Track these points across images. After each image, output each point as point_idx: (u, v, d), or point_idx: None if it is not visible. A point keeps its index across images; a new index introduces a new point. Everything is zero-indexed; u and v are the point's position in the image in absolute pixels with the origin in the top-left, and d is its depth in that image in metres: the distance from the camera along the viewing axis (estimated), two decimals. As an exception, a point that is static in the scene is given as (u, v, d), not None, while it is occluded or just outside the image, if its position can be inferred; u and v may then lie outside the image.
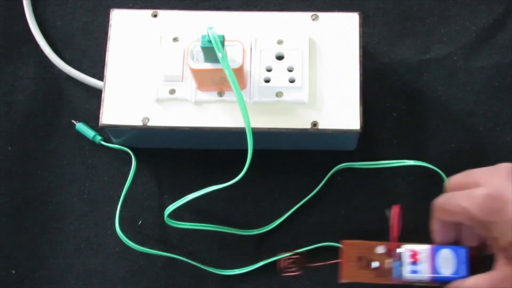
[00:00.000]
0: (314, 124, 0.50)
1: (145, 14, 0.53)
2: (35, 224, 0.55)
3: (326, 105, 0.50)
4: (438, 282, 0.46)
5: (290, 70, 0.51)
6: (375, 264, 0.47)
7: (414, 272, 0.45)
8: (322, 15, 0.53)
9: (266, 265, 0.53)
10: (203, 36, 0.45)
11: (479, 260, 0.46)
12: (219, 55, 0.44)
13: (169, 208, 0.51)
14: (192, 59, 0.47)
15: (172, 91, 0.51)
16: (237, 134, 0.49)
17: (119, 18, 0.53)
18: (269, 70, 0.51)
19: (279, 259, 0.50)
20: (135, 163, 0.54)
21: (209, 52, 0.45)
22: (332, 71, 0.51)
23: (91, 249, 0.54)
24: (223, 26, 0.52)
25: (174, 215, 0.53)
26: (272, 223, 0.54)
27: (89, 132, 0.56)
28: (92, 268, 0.54)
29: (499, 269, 0.43)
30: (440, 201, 0.46)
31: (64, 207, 0.55)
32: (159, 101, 0.51)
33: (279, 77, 0.51)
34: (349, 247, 0.48)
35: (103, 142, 0.56)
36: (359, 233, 0.54)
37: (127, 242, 0.52)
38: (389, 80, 0.57)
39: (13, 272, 0.54)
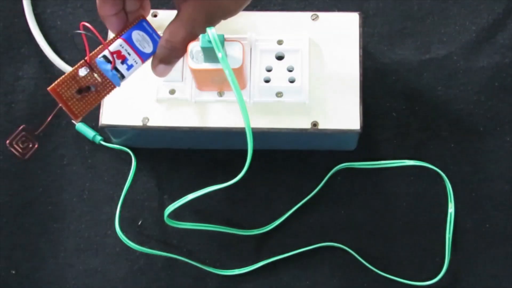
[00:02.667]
0: (314, 124, 0.50)
1: (145, 14, 0.53)
2: (35, 224, 0.55)
3: (326, 105, 0.50)
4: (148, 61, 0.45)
5: (290, 70, 0.51)
6: (92, 87, 0.44)
7: (129, 67, 0.44)
8: (322, 15, 0.53)
9: (266, 265, 0.53)
10: (203, 36, 0.45)
11: None
12: (219, 55, 0.44)
13: (169, 208, 0.51)
14: (192, 59, 0.47)
15: (172, 91, 0.51)
16: (237, 134, 0.49)
17: (119, 18, 0.53)
18: (269, 70, 0.51)
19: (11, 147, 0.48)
20: (135, 163, 0.54)
21: (209, 52, 0.45)
22: (332, 71, 0.51)
23: (91, 249, 0.54)
24: (223, 26, 0.52)
25: (174, 215, 0.53)
26: (272, 223, 0.54)
27: (89, 132, 0.56)
28: (92, 268, 0.54)
29: (183, 11, 0.43)
30: None
31: (64, 207, 0.55)
32: (159, 101, 0.51)
33: (279, 77, 0.51)
34: (57, 89, 0.43)
35: (103, 142, 0.56)
36: (359, 233, 0.54)
37: (127, 242, 0.52)
38: (389, 80, 0.57)
39: (13, 272, 0.54)
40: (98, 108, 0.52)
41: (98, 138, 0.56)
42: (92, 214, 0.55)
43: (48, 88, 0.42)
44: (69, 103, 0.43)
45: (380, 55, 0.58)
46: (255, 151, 0.46)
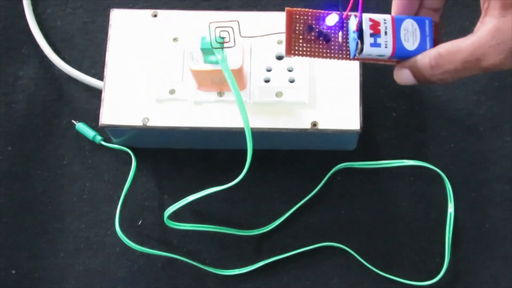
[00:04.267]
0: (314, 124, 0.50)
1: (145, 14, 0.53)
2: (35, 224, 0.55)
3: (326, 105, 0.50)
4: (398, 58, 0.39)
5: (290, 70, 0.51)
6: (327, 37, 0.38)
7: (375, 45, 0.37)
8: (322, 15, 0.53)
9: (266, 265, 0.53)
10: (203, 38, 0.45)
11: (441, 35, 0.40)
12: (219, 57, 0.44)
13: (168, 210, 0.51)
14: (192, 60, 0.47)
15: (172, 91, 0.51)
16: (237, 134, 0.49)
17: (119, 18, 0.53)
18: (269, 70, 0.51)
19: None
20: (135, 163, 0.54)
21: (209, 53, 0.45)
22: (332, 71, 0.51)
23: (91, 249, 0.54)
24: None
25: (174, 215, 0.53)
26: (272, 223, 0.54)
27: (89, 132, 0.56)
28: (92, 268, 0.54)
29: (488, 23, 0.34)
30: None
31: (64, 207, 0.55)
32: (159, 101, 0.51)
33: (279, 77, 0.51)
34: (294, 15, 0.38)
35: (103, 142, 0.56)
36: (359, 233, 0.54)
37: (127, 242, 0.52)
38: (389, 80, 0.57)
39: (13, 272, 0.54)
40: (98, 108, 0.52)
41: (98, 138, 0.56)
42: (92, 214, 0.55)
43: (287, 8, 0.38)
44: (292, 35, 0.38)
45: (380, 55, 0.58)
46: (255, 151, 0.46)
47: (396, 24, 0.37)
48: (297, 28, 0.38)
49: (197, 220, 0.54)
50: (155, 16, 0.53)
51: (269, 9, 0.59)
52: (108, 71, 0.52)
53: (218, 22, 0.42)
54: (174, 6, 0.60)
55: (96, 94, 0.57)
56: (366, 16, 0.37)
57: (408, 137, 0.56)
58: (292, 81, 0.50)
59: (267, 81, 0.51)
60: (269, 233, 0.54)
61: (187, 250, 0.54)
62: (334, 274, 0.53)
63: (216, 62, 0.45)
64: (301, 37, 0.38)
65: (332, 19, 0.38)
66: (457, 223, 0.53)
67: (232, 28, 0.42)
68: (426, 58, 0.37)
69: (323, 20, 0.38)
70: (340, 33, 0.38)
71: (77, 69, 0.58)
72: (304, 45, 0.38)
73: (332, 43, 0.38)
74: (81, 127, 0.56)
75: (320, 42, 0.38)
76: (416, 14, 0.39)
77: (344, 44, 0.38)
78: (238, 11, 0.54)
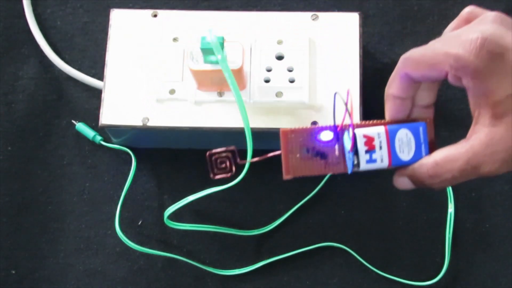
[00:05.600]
0: (314, 124, 0.50)
1: (145, 14, 0.53)
2: (35, 224, 0.55)
3: (326, 105, 0.50)
4: (395, 167, 0.39)
5: (290, 70, 0.51)
6: (323, 154, 0.39)
7: (370, 161, 0.38)
8: (322, 15, 0.53)
9: (266, 265, 0.53)
10: (203, 38, 0.45)
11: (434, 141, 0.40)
12: (219, 57, 0.44)
13: (168, 210, 0.51)
14: (192, 60, 0.47)
15: (172, 91, 0.51)
16: (237, 134, 0.49)
17: (119, 18, 0.53)
18: (269, 70, 0.51)
19: (209, 156, 0.40)
20: (135, 163, 0.54)
21: (209, 53, 0.45)
22: (332, 71, 0.51)
23: (91, 249, 0.54)
24: (223, 26, 0.52)
25: (174, 215, 0.53)
26: (272, 223, 0.54)
27: (89, 132, 0.56)
28: (92, 268, 0.54)
29: (481, 132, 0.35)
30: (416, 52, 0.38)
31: (64, 207, 0.55)
32: (159, 101, 0.51)
33: (279, 77, 0.51)
34: (289, 134, 0.39)
35: (103, 142, 0.56)
36: (359, 233, 0.54)
37: (127, 242, 0.52)
38: (389, 80, 0.57)
39: (13, 272, 0.54)
40: (98, 108, 0.52)
41: (98, 138, 0.56)
42: (92, 214, 0.55)
43: (281, 129, 0.39)
44: (289, 156, 0.39)
45: (380, 55, 0.58)
46: (255, 151, 0.46)
47: (390, 136, 0.38)
48: (293, 147, 0.38)
49: (197, 220, 0.54)
50: (155, 16, 0.53)
51: (269, 9, 0.59)
52: (108, 71, 0.52)
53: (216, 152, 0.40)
54: (174, 6, 0.60)
55: (96, 94, 0.57)
56: (359, 132, 0.38)
57: (408, 137, 0.56)
58: (292, 81, 0.50)
59: (267, 81, 0.51)
60: (269, 233, 0.54)
61: (187, 250, 0.54)
62: (334, 274, 0.53)
63: (216, 62, 0.45)
64: (298, 155, 0.38)
65: (327, 135, 0.38)
66: (457, 223, 0.53)
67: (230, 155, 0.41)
68: (423, 168, 0.37)
69: (318, 136, 0.38)
70: (336, 147, 0.38)
71: (77, 69, 0.58)
72: (302, 164, 0.39)
73: (330, 159, 0.39)
74: (81, 127, 0.56)
75: (318, 159, 0.38)
76: (409, 114, 0.40)
77: (341, 156, 0.39)
78: (238, 11, 0.53)
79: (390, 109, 0.39)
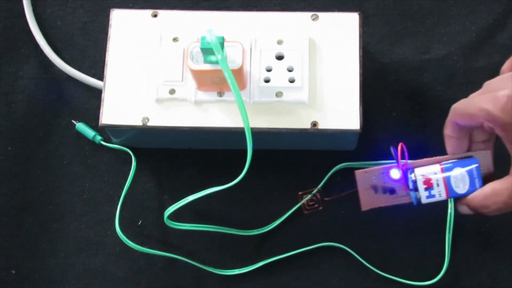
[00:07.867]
0: (314, 124, 0.50)
1: (145, 14, 0.53)
2: (35, 224, 0.55)
3: (326, 105, 0.50)
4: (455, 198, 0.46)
5: (290, 70, 0.51)
6: (391, 190, 0.47)
7: (430, 197, 0.46)
8: (322, 15, 0.53)
9: (266, 265, 0.53)
10: (203, 38, 0.45)
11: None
12: (219, 57, 0.44)
13: (168, 210, 0.51)
14: (192, 59, 0.47)
15: (172, 91, 0.51)
16: (237, 134, 0.49)
17: (119, 18, 0.53)
18: (269, 70, 0.51)
19: (300, 199, 0.52)
20: (135, 163, 0.54)
21: (209, 53, 0.45)
22: (332, 71, 0.51)
23: (91, 249, 0.54)
24: (223, 26, 0.52)
25: (174, 215, 0.53)
26: (272, 223, 0.54)
27: (89, 132, 0.56)
28: (92, 268, 0.54)
29: None
30: (460, 104, 0.45)
31: (64, 207, 0.55)
32: (159, 101, 0.51)
33: (279, 77, 0.51)
34: (361, 174, 0.47)
35: (103, 142, 0.56)
36: (359, 233, 0.54)
37: (127, 242, 0.52)
38: (389, 80, 0.57)
39: (13, 272, 0.54)
40: (98, 108, 0.52)
41: (98, 138, 0.56)
42: (92, 214, 0.55)
43: (356, 171, 0.46)
44: (363, 192, 0.46)
45: (380, 55, 0.58)
46: (255, 151, 0.47)
47: (446, 176, 0.45)
48: (365, 185, 0.46)
49: (197, 220, 0.54)
50: (155, 16, 0.53)
51: (269, 9, 0.59)
52: (108, 71, 0.52)
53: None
54: (174, 6, 0.60)
55: (96, 94, 0.57)
56: (418, 173, 0.45)
57: (408, 137, 0.56)
58: (292, 81, 0.50)
59: (267, 81, 0.51)
60: (269, 233, 0.54)
61: (187, 250, 0.54)
62: (334, 274, 0.53)
63: (216, 62, 0.45)
64: (372, 192, 0.46)
65: (395, 173, 0.46)
66: (457, 223, 0.53)
67: None
68: (475, 200, 0.44)
69: (388, 174, 0.46)
70: (402, 184, 0.46)
71: (77, 69, 0.58)
72: (375, 198, 0.46)
73: (397, 193, 0.46)
74: (81, 127, 0.56)
75: (387, 194, 0.46)
76: (468, 149, 0.46)
77: (406, 191, 0.46)
78: (238, 11, 0.53)
79: (448, 146, 0.46)
